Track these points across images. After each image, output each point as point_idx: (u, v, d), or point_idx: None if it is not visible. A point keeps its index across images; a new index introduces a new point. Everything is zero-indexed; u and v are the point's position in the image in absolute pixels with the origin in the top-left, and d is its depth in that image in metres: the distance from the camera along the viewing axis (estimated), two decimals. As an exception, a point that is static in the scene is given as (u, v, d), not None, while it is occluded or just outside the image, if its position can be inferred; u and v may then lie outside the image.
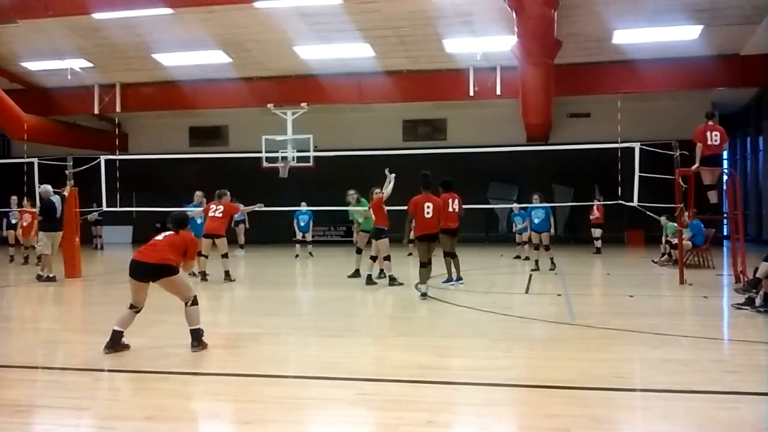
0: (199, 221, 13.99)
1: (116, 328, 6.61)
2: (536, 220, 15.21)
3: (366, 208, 13.68)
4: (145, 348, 6.81)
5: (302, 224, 19.71)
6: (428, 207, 10.34)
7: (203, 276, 13.14)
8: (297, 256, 19.45)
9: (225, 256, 13.28)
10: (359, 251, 13.78)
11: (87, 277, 13.98)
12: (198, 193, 15.19)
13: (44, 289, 12.36)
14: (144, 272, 6.63)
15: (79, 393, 5.37)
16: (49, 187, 13.54)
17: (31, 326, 8.99)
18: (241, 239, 21.25)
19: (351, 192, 14.61)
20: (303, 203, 19.23)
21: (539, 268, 14.57)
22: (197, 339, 6.70)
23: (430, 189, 10.69)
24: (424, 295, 10.26)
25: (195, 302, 6.78)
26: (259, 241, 24.40)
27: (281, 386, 5.62)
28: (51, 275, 13.10)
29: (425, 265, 10.48)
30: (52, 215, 13.30)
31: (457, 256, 12.14)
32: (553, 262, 14.70)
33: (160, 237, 6.87)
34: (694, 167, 11.78)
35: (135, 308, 6.70)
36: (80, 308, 10.91)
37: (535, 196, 15.35)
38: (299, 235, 19.86)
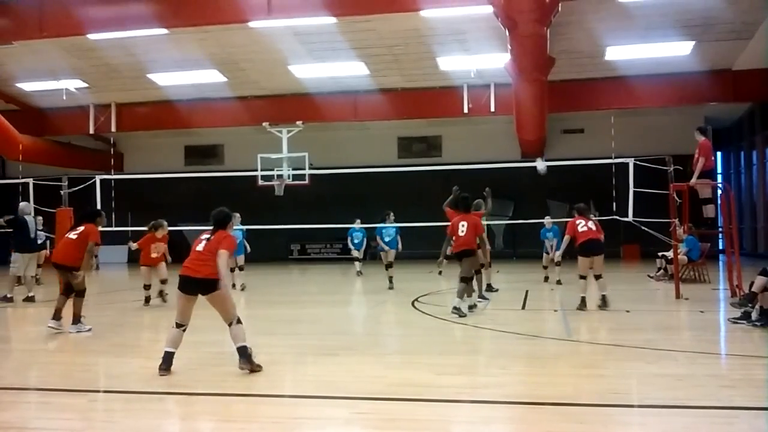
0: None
1: (168, 349, 6.44)
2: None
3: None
4: (139, 368, 6.77)
5: (356, 241, 18.68)
6: (463, 226, 10.42)
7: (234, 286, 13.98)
8: (359, 273, 18.67)
9: (241, 269, 14.63)
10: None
11: (82, 298, 13.89)
12: (236, 215, 14.60)
13: (39, 309, 12.29)
14: (192, 287, 6.51)
15: (73, 414, 5.33)
16: (29, 206, 13.47)
17: (24, 347, 8.92)
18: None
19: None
20: (357, 220, 18.61)
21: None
22: (245, 356, 6.45)
23: (469, 210, 10.77)
24: (457, 309, 10.00)
25: (239, 321, 6.59)
26: (255, 259, 24.32)
27: (277, 406, 5.59)
28: (9, 296, 12.97)
29: (469, 280, 10.45)
30: (24, 235, 13.05)
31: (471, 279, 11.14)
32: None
33: (200, 247, 6.64)
34: (692, 181, 11.82)
35: (181, 326, 6.54)
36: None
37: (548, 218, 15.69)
38: (354, 253, 18.87)
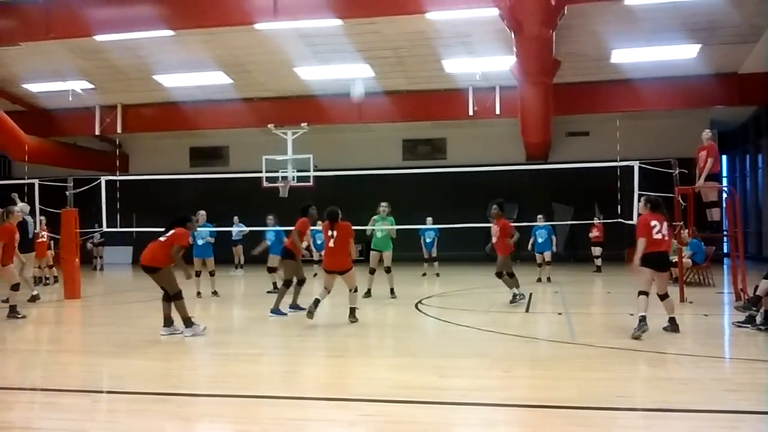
0: (200, 242, 13.99)
1: (319, 297, 9.42)
2: (540, 240, 16.28)
3: (393, 226, 13.66)
4: (143, 369, 6.79)
5: (428, 241, 18.41)
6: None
7: (198, 294, 13.67)
8: (424, 274, 18.48)
9: (212, 274, 14.05)
10: (372, 271, 13.63)
11: (87, 298, 13.95)
12: (201, 213, 14.72)
13: (44, 310, 12.33)
14: (336, 273, 9.58)
15: (77, 415, 5.34)
16: (26, 206, 13.62)
17: (29, 347, 8.96)
18: (240, 259, 21.22)
19: (384, 204, 13.88)
20: (429, 219, 18.33)
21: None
22: (353, 315, 9.78)
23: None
24: (521, 295, 11.95)
25: (356, 289, 9.79)
26: (260, 260, 24.34)
27: (280, 407, 5.58)
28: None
29: (513, 275, 12.03)
30: (22, 235, 12.77)
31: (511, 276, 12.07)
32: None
33: (332, 244, 9.43)
34: (699, 183, 11.81)
35: (327, 290, 9.61)
36: (80, 329, 10.87)
37: (540, 216, 16.08)
38: (426, 254, 18.63)
